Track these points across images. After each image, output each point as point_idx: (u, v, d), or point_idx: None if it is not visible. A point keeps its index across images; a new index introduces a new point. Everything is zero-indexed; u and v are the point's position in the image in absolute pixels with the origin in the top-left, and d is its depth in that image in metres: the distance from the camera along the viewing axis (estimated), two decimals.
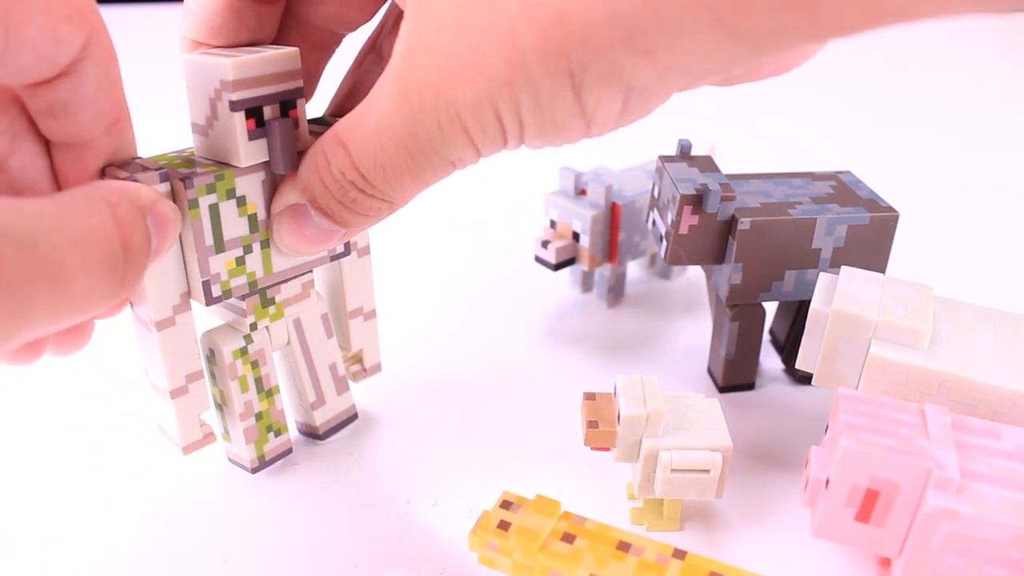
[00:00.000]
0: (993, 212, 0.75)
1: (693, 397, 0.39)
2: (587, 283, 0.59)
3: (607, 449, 0.37)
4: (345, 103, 0.40)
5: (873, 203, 0.45)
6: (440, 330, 0.56)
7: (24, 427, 0.46)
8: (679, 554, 0.32)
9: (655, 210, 0.48)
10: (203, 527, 0.39)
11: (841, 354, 0.38)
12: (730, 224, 0.44)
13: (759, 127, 0.98)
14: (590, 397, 0.38)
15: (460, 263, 0.65)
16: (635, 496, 0.39)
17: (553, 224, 0.55)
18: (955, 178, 0.83)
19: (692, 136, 0.92)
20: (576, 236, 0.54)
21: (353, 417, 0.45)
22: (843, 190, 0.47)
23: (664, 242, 0.46)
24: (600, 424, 0.36)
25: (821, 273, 0.41)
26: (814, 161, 0.87)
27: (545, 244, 0.54)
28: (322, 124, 0.40)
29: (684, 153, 0.47)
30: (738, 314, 0.46)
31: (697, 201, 0.43)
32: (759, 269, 0.45)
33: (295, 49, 0.34)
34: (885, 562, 0.35)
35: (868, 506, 0.32)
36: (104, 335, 0.55)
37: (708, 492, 0.36)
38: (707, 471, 0.36)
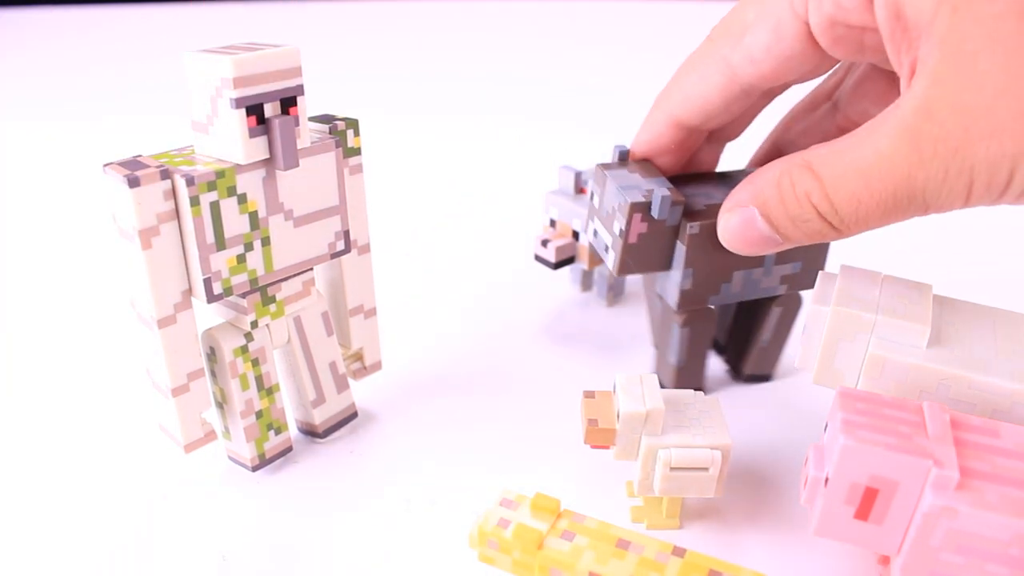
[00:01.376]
0: (993, 211, 0.75)
1: (692, 395, 0.39)
2: (587, 282, 0.59)
3: (607, 447, 0.37)
4: (781, 147, 0.44)
5: None
6: (440, 328, 0.56)
7: (24, 426, 0.46)
8: (679, 552, 0.32)
9: (595, 219, 0.46)
10: (203, 525, 0.39)
11: (840, 352, 0.38)
12: (677, 229, 0.43)
13: None
14: (590, 395, 0.38)
15: (460, 262, 0.66)
16: (635, 494, 0.39)
17: (553, 223, 0.55)
18: None
19: None
20: (576, 235, 0.54)
21: (353, 415, 0.45)
22: None
23: (610, 253, 0.44)
24: (600, 422, 0.36)
25: (820, 272, 0.41)
26: None
27: (545, 243, 0.54)
28: (323, 122, 0.40)
29: (623, 159, 0.45)
30: (688, 320, 0.45)
31: (646, 208, 0.41)
32: (708, 273, 0.43)
33: (296, 47, 0.34)
34: (885, 560, 0.35)
35: (867, 504, 0.32)
36: (104, 334, 0.56)
37: (707, 490, 0.36)
38: (706, 469, 0.36)
